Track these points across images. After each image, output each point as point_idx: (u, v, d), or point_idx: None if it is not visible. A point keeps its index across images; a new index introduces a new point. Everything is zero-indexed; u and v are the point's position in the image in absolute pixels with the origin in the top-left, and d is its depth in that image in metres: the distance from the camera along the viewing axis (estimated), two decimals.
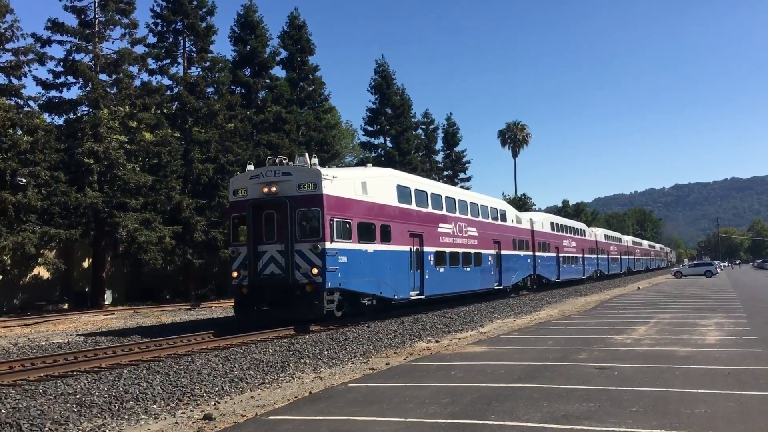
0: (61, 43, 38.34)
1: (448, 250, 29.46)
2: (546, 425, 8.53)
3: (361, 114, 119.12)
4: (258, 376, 13.45)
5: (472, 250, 32.44)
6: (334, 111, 59.18)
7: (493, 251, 35.61)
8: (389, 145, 61.92)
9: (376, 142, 62.72)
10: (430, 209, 28.14)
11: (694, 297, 37.11)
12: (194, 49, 44.50)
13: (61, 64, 38.15)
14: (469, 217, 32.55)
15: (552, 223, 50.52)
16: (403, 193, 26.02)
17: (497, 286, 36.45)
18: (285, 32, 52.10)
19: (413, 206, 26.62)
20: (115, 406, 10.62)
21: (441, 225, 29.06)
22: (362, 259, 22.45)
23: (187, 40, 44.43)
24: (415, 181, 28.04)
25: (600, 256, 67.07)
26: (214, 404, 11.06)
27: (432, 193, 28.90)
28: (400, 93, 63.33)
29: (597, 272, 65.83)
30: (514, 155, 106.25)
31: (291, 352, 16.27)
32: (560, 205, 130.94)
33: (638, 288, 50.90)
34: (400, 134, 61.46)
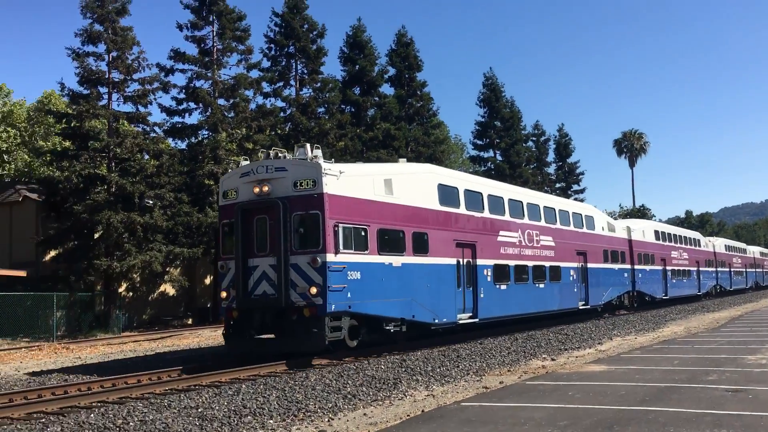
0: (182, 71, 40.55)
1: (512, 263, 25.00)
2: None
3: (469, 128, 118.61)
4: (371, 393, 13.47)
5: (547, 263, 27.67)
6: (443, 126, 59.23)
7: (575, 264, 30.49)
8: (499, 158, 61.23)
9: (486, 155, 62.23)
10: (486, 214, 23.83)
11: None
12: (306, 71, 45.82)
13: (183, 91, 40.31)
14: (542, 223, 27.81)
15: (656, 232, 44.35)
16: (447, 193, 21.80)
17: (583, 305, 31.03)
18: (393, 50, 52.74)
19: (462, 210, 22.40)
20: (234, 421, 10.92)
21: (503, 233, 24.70)
22: (384, 274, 18.46)
23: (298, 62, 45.83)
24: (465, 180, 23.74)
25: (720, 269, 60.14)
26: (328, 420, 11.15)
27: (490, 195, 24.43)
28: (509, 105, 62.59)
29: (716, 287, 58.65)
30: (631, 165, 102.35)
31: (403, 369, 16.22)
32: (683, 215, 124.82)
33: None
34: (510, 147, 60.66)
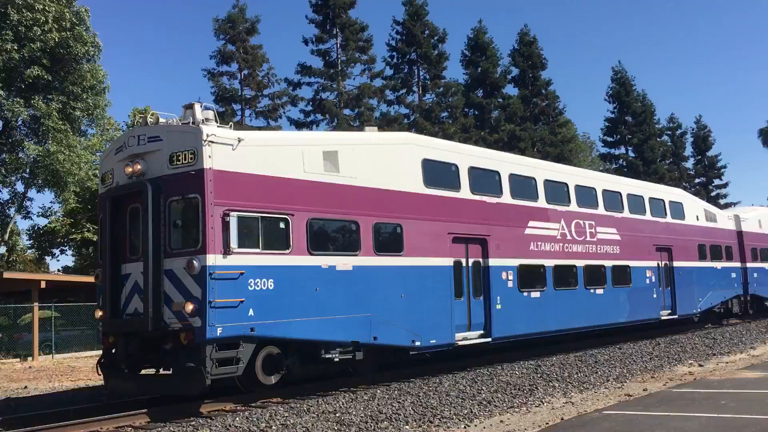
0: (309, 84, 41.94)
1: (550, 262, 19.28)
2: None
3: (599, 125, 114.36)
4: (506, 400, 13.21)
5: (609, 262, 21.60)
6: (570, 124, 57.46)
7: (653, 262, 24.03)
8: (631, 154, 58.76)
9: (617, 152, 59.93)
10: (506, 199, 18.25)
11: None
12: (428, 77, 46.06)
13: (310, 103, 41.64)
14: (599, 211, 21.73)
15: None
16: (437, 171, 16.44)
17: (668, 314, 24.62)
18: (515, 50, 51.93)
19: (464, 194, 16.94)
20: (370, 425, 11.03)
21: (534, 224, 19.02)
22: (320, 283, 13.34)
23: (421, 68, 46.12)
24: (469, 155, 17.79)
25: None
26: (464, 427, 11.03)
27: (512, 175, 18.59)
28: (641, 99, 59.91)
29: None
30: None
31: (539, 375, 15.81)
32: None
33: None
34: (643, 142, 57.99)
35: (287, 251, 12.87)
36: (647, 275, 23.62)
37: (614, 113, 59.49)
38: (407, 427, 11.11)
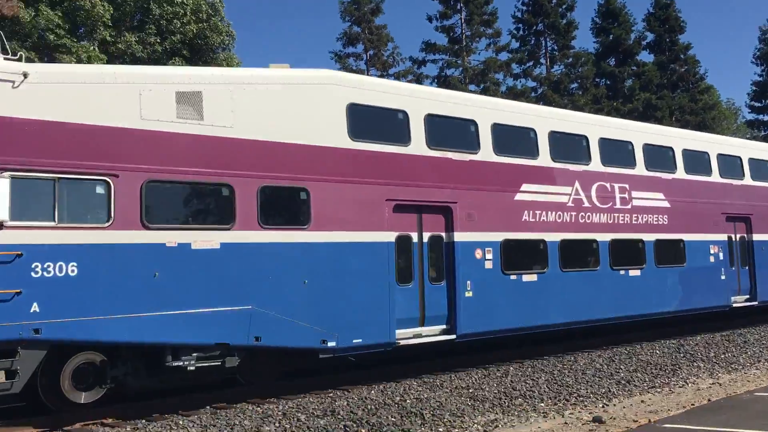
0: (434, 61, 41.76)
1: (553, 237, 15.09)
2: None
3: (744, 90, 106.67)
4: (646, 380, 12.71)
5: (650, 236, 17.13)
6: (712, 90, 53.80)
7: (720, 236, 19.16)
8: None
9: (767, 118, 55.49)
10: (483, 155, 14.17)
11: None
12: (556, 47, 44.63)
13: (435, 81, 41.47)
14: (636, 172, 17.25)
15: None
16: (372, 120, 12.95)
17: (744, 300, 19.73)
18: (650, 14, 49.12)
19: (415, 149, 13.22)
20: (505, 402, 10.96)
21: (529, 187, 14.86)
22: (163, 266, 10.19)
23: (548, 39, 44.74)
24: (427, 98, 13.82)
25: None
26: (602, 407, 10.72)
27: (496, 124, 14.51)
28: None
29: None
30: None
31: (681, 355, 15.07)
32: None
33: None
34: None
35: (106, 224, 9.78)
36: (712, 251, 18.88)
37: (762, 76, 55.08)
38: (542, 404, 10.94)
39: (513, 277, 14.35)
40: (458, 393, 11.50)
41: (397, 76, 39.70)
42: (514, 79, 44.01)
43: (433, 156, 13.40)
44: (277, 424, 9.55)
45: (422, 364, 13.91)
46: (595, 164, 16.30)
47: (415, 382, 12.42)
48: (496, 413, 10.38)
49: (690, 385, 12.24)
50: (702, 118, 46.85)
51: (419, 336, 12.97)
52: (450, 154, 13.67)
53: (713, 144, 20.02)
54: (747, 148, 21.25)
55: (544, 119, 15.64)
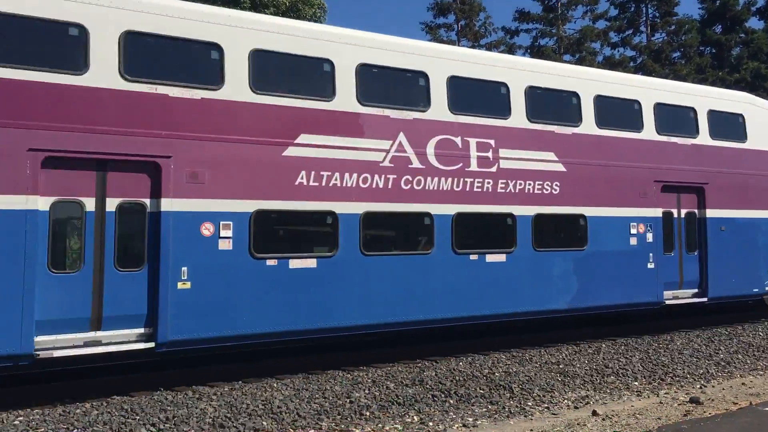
0: (527, 31, 40.78)
1: (348, 209, 11.24)
2: None
3: None
4: (748, 362, 12.19)
5: (527, 210, 13.09)
6: None
7: (650, 211, 14.74)
8: None
9: None
10: (232, 92, 10.47)
11: None
12: (658, 14, 42.65)
13: (528, 51, 40.52)
14: (506, 123, 13.00)
15: None
16: None
17: (690, 296, 15.47)
18: None
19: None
20: (596, 379, 10.77)
21: (308, 138, 11.00)
22: None
23: (649, 6, 42.79)
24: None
25: None
26: (700, 387, 10.37)
27: (256, 51, 10.71)
28: None
29: None
30: None
31: None
32: None
33: None
34: None
35: None
36: (633, 232, 14.53)
37: None
38: (635, 383, 10.69)
39: (271, 263, 10.48)
40: (548, 368, 11.37)
41: (489, 47, 39.00)
42: (612, 48, 42.47)
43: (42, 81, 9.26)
44: (366, 391, 9.75)
45: (510, 338, 13.83)
46: (437, 111, 12.21)
47: (503, 356, 12.37)
48: (587, 390, 10.23)
49: None
50: None
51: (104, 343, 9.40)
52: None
53: (648, 90, 15.25)
54: (706, 98, 16.22)
55: (352, 47, 11.55)
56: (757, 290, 16.23)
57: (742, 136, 16.58)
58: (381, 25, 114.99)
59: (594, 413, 8.76)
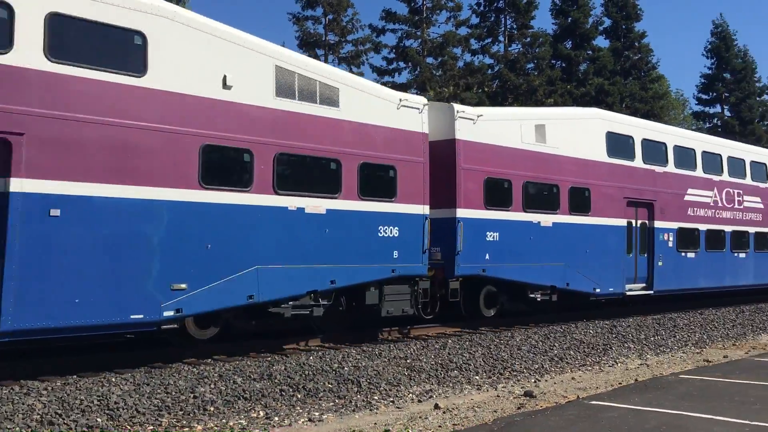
0: (393, 31, 41.37)
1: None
2: None
3: (693, 81, 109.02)
4: (579, 357, 13.09)
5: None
6: (663, 80, 54.91)
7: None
8: (727, 114, 55.81)
9: (712, 111, 57.01)
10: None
11: None
12: (515, 26, 44.69)
13: (393, 51, 41.18)
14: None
15: None
16: None
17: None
18: (609, 0, 49.66)
19: None
20: (441, 374, 11.15)
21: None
22: None
23: (508, 17, 44.78)
24: None
25: None
26: (534, 382, 11.00)
27: None
28: (742, 55, 56.47)
29: None
30: None
31: (613, 335, 15.54)
32: None
33: None
34: (741, 102, 54.91)
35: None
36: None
37: (711, 69, 56.44)
38: (477, 377, 11.17)
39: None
40: (396, 363, 11.63)
41: (356, 44, 39.31)
42: (472, 54, 44.02)
43: None
44: (212, 386, 9.51)
45: (364, 333, 14.02)
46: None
47: (354, 350, 12.51)
48: (432, 384, 10.56)
49: (619, 364, 12.65)
50: (651, 107, 47.80)
51: None
52: None
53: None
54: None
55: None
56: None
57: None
58: (247, 14, 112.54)
59: (436, 407, 9.06)
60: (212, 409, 8.67)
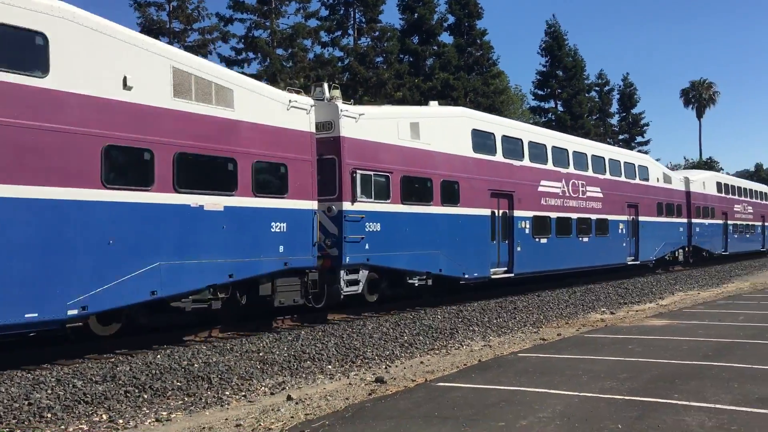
0: (241, 21, 40.53)
1: None
2: (738, 408, 7.83)
3: (530, 77, 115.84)
4: (427, 342, 13.58)
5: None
6: (503, 76, 57.81)
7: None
8: (560, 109, 59.78)
9: (547, 106, 60.83)
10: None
11: None
12: (364, 20, 45.29)
13: (242, 41, 40.40)
14: None
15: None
16: None
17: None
18: None
19: None
20: (294, 365, 11.17)
21: None
22: None
23: (357, 11, 45.29)
24: None
25: None
26: (385, 368, 11.30)
27: None
28: (572, 54, 60.70)
29: None
30: (699, 116, 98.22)
31: (460, 320, 16.26)
32: (752, 169, 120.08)
33: None
34: (572, 97, 59.07)
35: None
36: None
37: (546, 67, 60.16)
38: (329, 366, 11.31)
39: None
40: (248, 357, 11.52)
41: (202, 32, 38.13)
42: (322, 47, 44.11)
43: None
44: (49, 391, 8.97)
45: (216, 328, 13.75)
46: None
47: (204, 347, 12.25)
48: (285, 376, 10.57)
49: (465, 347, 13.26)
50: (493, 101, 50.23)
51: None
52: None
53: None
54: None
55: None
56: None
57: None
58: None
59: (289, 398, 9.08)
60: (49, 415, 8.19)
